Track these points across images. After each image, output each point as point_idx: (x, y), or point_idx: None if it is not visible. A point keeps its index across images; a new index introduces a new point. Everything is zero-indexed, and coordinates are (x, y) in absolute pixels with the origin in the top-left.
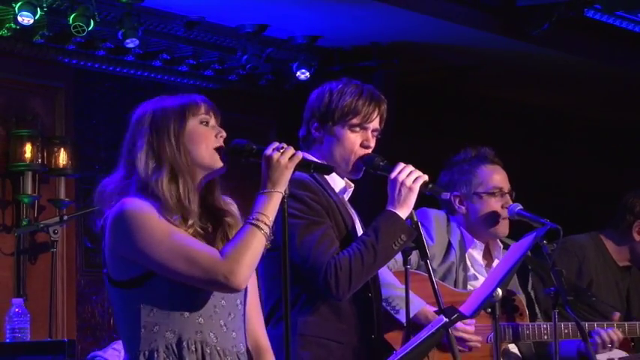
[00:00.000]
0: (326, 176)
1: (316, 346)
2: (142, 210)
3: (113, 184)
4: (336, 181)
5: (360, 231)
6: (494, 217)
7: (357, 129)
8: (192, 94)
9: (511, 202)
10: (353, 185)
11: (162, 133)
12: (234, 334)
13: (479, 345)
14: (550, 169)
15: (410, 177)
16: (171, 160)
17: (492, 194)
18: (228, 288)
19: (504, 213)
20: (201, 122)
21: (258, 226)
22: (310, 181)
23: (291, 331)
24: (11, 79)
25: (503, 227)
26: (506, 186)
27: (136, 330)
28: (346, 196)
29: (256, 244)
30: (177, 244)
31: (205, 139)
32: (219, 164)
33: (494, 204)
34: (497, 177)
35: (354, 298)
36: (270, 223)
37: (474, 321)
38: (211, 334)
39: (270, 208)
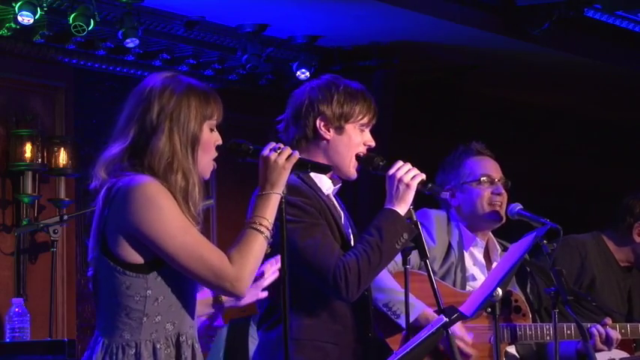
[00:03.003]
0: (314, 177)
1: (311, 349)
2: (162, 195)
3: (118, 151)
4: (323, 181)
5: (346, 225)
6: (484, 204)
7: (365, 128)
8: (211, 90)
9: (502, 190)
10: (341, 181)
11: (181, 136)
12: None
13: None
14: (550, 169)
15: (408, 174)
16: (183, 164)
17: (481, 182)
18: (232, 294)
19: (496, 199)
20: (210, 129)
21: (259, 230)
22: (301, 185)
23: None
24: (11, 79)
25: (496, 213)
26: (495, 174)
27: (133, 317)
28: (333, 192)
29: (258, 248)
30: (193, 241)
31: (211, 149)
32: (207, 176)
33: (484, 191)
34: (484, 165)
35: None
36: (271, 226)
37: (472, 334)
38: (192, 329)
39: (269, 210)
